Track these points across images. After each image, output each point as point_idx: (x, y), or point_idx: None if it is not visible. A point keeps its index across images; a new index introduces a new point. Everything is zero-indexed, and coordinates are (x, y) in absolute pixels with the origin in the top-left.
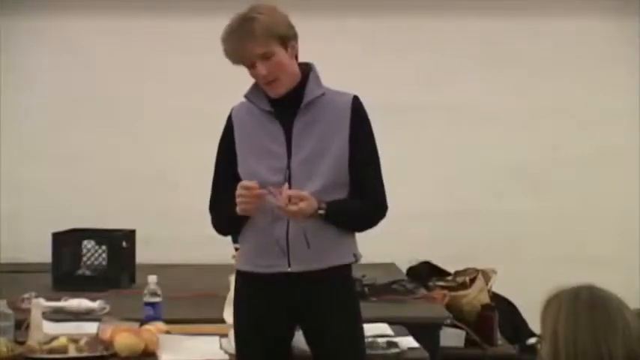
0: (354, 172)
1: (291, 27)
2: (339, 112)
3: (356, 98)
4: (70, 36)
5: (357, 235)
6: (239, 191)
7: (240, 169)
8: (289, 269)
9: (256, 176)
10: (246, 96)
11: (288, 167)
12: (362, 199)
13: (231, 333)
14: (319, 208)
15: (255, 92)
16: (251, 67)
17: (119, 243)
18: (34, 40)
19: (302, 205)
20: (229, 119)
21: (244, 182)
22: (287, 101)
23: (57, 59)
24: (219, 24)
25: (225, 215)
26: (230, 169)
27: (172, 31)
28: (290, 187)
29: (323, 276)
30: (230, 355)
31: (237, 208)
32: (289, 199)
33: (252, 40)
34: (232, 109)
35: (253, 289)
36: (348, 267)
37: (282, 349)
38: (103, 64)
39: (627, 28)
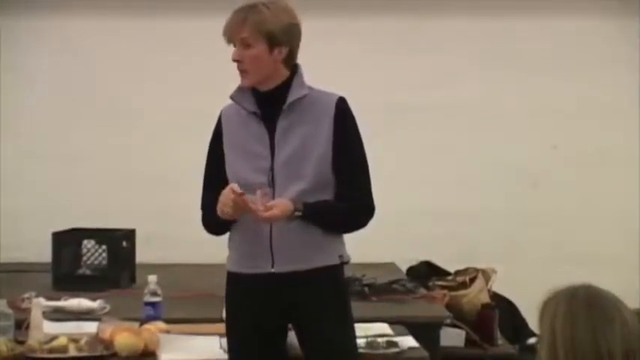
0: (338, 173)
1: (289, 33)
2: (322, 112)
3: (341, 99)
4: (70, 36)
5: (358, 235)
6: (220, 197)
7: (227, 170)
8: (273, 270)
9: (241, 177)
10: (231, 97)
11: (272, 168)
12: (346, 200)
13: None
14: (296, 210)
15: (241, 93)
16: (234, 47)
17: (119, 243)
18: (34, 40)
19: (274, 211)
20: (219, 120)
21: (226, 188)
22: (272, 102)
23: (57, 59)
24: (219, 24)
25: (213, 216)
26: (219, 170)
27: (172, 31)
28: (274, 188)
29: (308, 277)
30: None
31: (218, 211)
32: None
33: (241, 23)
34: (222, 110)
35: (242, 290)
36: (335, 268)
37: (275, 349)
38: (103, 64)
39: (627, 28)
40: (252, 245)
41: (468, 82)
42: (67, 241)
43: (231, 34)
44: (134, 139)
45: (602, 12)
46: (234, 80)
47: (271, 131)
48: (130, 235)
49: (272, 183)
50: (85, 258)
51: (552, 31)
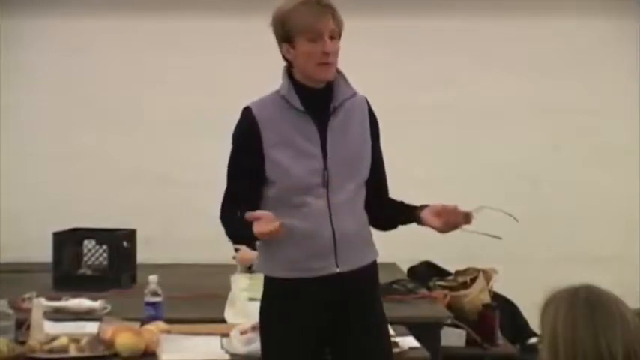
0: (374, 169)
1: None
2: (362, 110)
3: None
4: (71, 36)
5: None
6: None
7: (273, 170)
8: (338, 269)
9: (296, 178)
10: (283, 95)
11: (326, 168)
12: (384, 195)
13: (233, 333)
14: None
15: (290, 91)
16: (315, 39)
17: (120, 243)
18: (34, 39)
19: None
20: (252, 119)
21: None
22: (318, 100)
23: (57, 59)
24: (219, 24)
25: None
26: (255, 170)
27: (172, 31)
28: (327, 189)
29: (367, 271)
30: (231, 354)
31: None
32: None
33: (331, 16)
34: (250, 108)
35: (297, 295)
36: (376, 261)
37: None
38: (104, 64)
39: (627, 28)
40: (313, 247)
41: (468, 82)
42: (67, 241)
43: (323, 26)
44: (135, 139)
45: (602, 12)
46: (234, 80)
47: (321, 130)
48: (130, 234)
49: (326, 183)
50: (85, 258)
51: (552, 31)
